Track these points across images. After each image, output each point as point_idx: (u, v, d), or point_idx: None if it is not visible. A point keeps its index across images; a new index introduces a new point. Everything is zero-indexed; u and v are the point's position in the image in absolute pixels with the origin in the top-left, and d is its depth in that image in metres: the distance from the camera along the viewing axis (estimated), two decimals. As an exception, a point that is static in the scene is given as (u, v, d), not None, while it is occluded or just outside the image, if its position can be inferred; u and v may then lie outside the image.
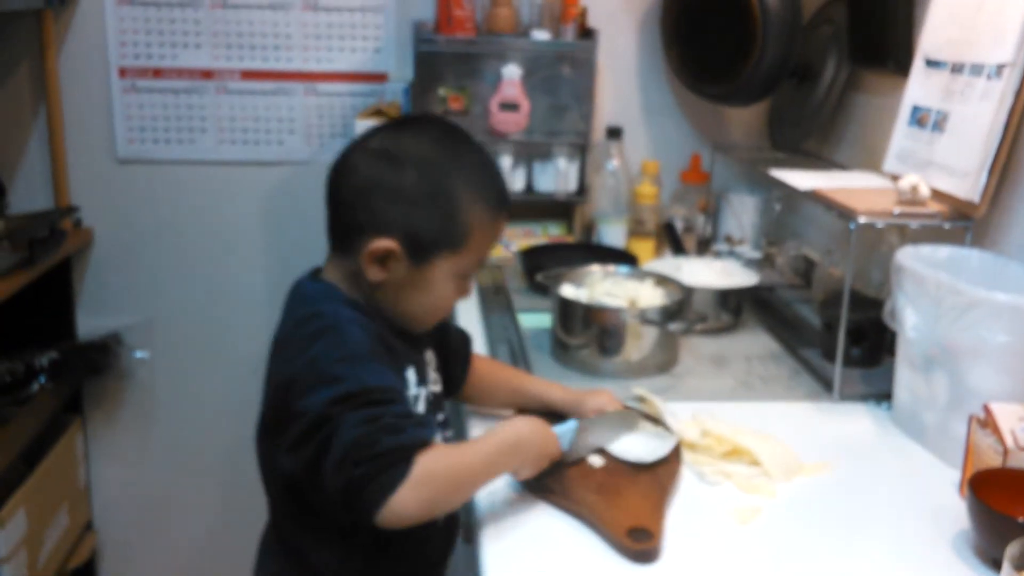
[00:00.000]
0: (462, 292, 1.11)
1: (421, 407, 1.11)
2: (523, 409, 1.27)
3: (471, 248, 1.07)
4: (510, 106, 1.95)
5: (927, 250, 1.34)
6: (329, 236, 1.10)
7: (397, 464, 0.92)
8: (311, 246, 2.18)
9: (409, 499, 0.92)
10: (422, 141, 1.07)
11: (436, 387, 1.18)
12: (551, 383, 1.32)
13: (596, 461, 1.16)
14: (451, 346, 1.25)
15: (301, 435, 0.96)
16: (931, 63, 1.52)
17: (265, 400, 1.09)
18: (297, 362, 1.00)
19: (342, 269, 1.08)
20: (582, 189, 2.04)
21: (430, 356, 1.19)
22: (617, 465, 1.16)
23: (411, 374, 1.10)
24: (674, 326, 1.47)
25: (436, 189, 1.04)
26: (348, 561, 1.09)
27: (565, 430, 1.13)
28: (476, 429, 1.28)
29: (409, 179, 1.04)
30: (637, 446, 1.18)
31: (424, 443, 0.94)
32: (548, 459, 1.10)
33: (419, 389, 1.11)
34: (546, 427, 1.10)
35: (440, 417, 1.18)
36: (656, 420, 1.26)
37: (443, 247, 1.05)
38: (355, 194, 1.05)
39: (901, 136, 1.56)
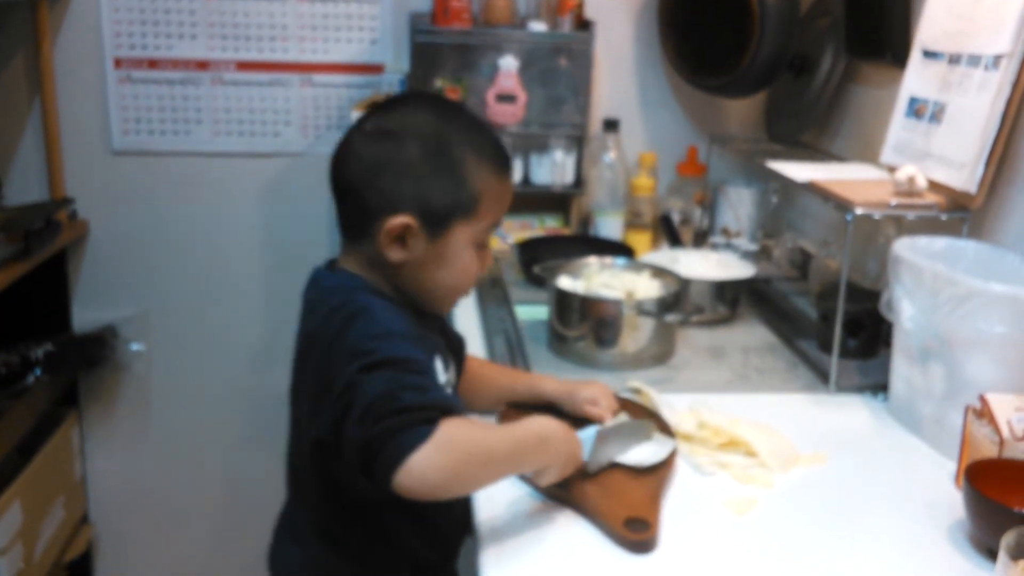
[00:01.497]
0: (484, 262, 1.11)
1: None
2: (514, 404, 1.26)
3: (484, 212, 1.07)
4: (507, 98, 1.95)
5: (924, 241, 1.34)
6: (341, 228, 1.10)
7: (420, 424, 0.89)
8: (307, 238, 2.19)
9: (430, 462, 0.88)
10: (419, 114, 1.07)
11: (453, 373, 1.17)
12: (542, 376, 1.31)
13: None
14: (451, 348, 1.23)
15: (331, 402, 0.95)
16: (928, 54, 1.51)
17: (303, 394, 1.07)
18: (334, 347, 0.99)
19: (360, 259, 1.08)
20: (579, 181, 2.03)
21: (443, 343, 1.18)
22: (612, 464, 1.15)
23: (439, 362, 1.08)
24: (671, 318, 1.47)
25: (441, 157, 1.04)
26: (371, 548, 1.09)
27: (585, 437, 1.10)
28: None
29: (413, 152, 1.04)
30: (636, 452, 1.16)
31: (450, 408, 0.93)
32: (574, 465, 1.07)
33: (446, 376, 1.10)
34: (571, 430, 1.07)
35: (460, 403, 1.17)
36: (650, 413, 1.26)
37: (457, 215, 1.05)
38: (361, 178, 1.05)
39: (898, 127, 1.56)
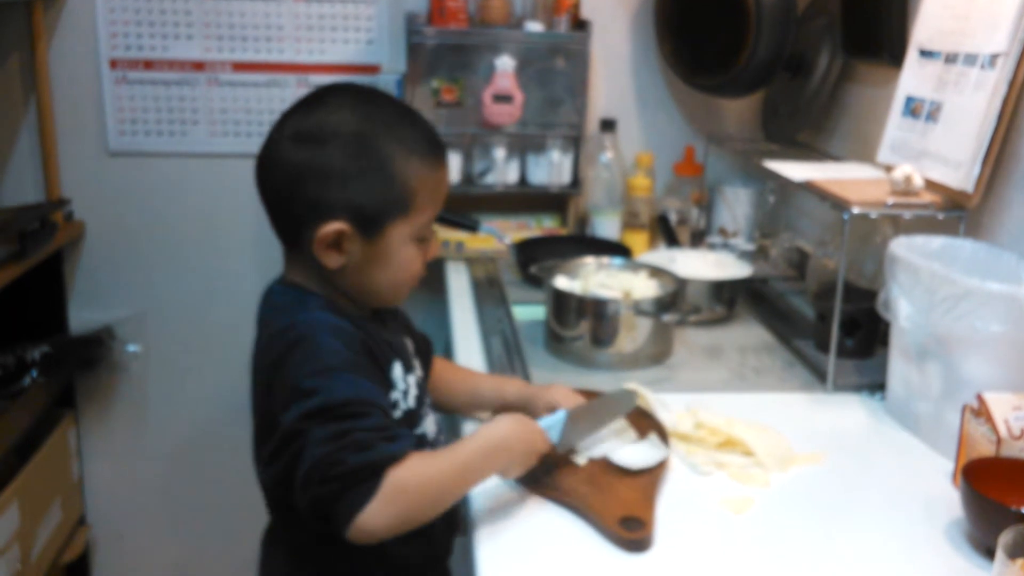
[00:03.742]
0: (426, 254, 1.08)
1: (413, 394, 1.10)
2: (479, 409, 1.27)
3: (420, 206, 1.04)
4: (503, 98, 1.95)
5: (920, 240, 1.34)
6: (276, 235, 1.07)
7: (365, 481, 0.91)
8: (304, 239, 2.18)
9: (379, 515, 0.91)
10: (338, 113, 1.02)
11: (420, 372, 1.17)
12: (506, 378, 1.30)
13: (580, 461, 1.15)
14: (417, 348, 1.22)
15: (275, 449, 0.97)
16: (925, 53, 1.51)
17: (253, 409, 1.08)
18: (276, 375, 0.99)
19: (301, 265, 1.06)
20: (576, 181, 2.03)
21: (408, 342, 1.18)
22: (604, 460, 1.15)
23: (398, 368, 1.08)
24: (668, 317, 1.47)
25: (366, 158, 1.01)
26: (353, 556, 1.08)
27: (554, 422, 1.12)
28: (469, 426, 1.28)
29: (336, 156, 1.00)
30: (626, 450, 1.16)
31: (394, 458, 0.93)
32: (537, 455, 1.07)
33: (407, 380, 1.10)
34: (530, 423, 1.08)
35: (428, 400, 1.18)
36: (644, 414, 1.26)
37: (392, 213, 1.02)
38: (287, 187, 1.02)
39: (895, 127, 1.56)
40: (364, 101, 1.05)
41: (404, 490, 0.92)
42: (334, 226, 1.00)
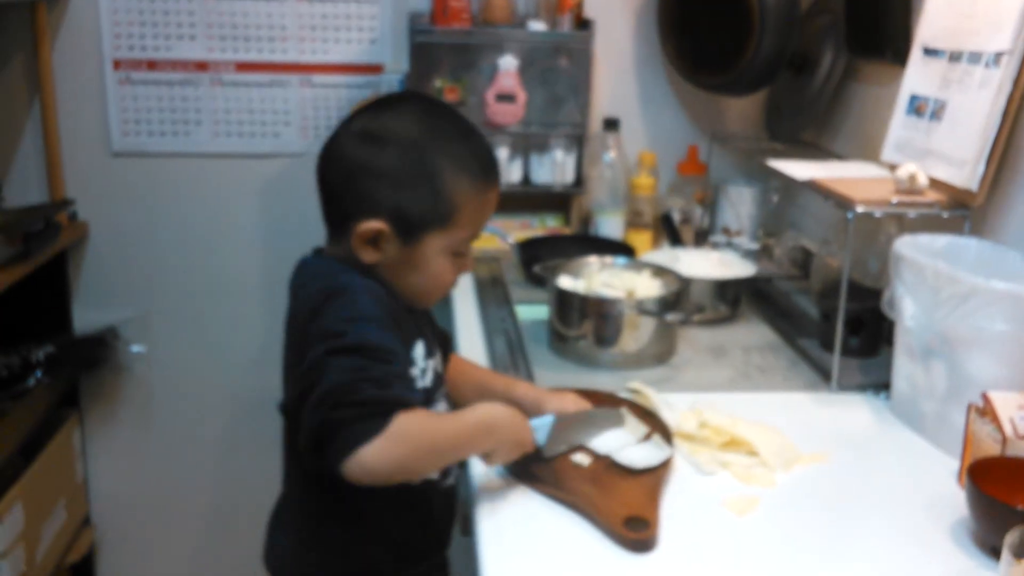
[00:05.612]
0: (461, 268, 1.12)
1: (429, 379, 1.12)
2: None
3: (461, 223, 1.08)
4: (506, 97, 1.95)
5: (925, 239, 1.33)
6: (325, 222, 1.12)
7: (375, 416, 0.92)
8: (307, 238, 2.16)
9: (379, 454, 0.92)
10: (404, 119, 1.08)
11: (439, 360, 1.19)
12: (516, 380, 1.31)
13: (583, 460, 1.15)
14: (437, 339, 1.23)
15: (297, 377, 0.99)
16: (929, 52, 1.51)
17: (285, 372, 1.10)
18: (312, 323, 1.01)
19: (341, 252, 1.10)
20: (579, 181, 2.03)
21: (429, 332, 1.19)
22: (607, 459, 1.15)
23: (420, 348, 1.11)
24: (672, 317, 1.47)
25: (419, 167, 1.05)
26: (357, 537, 1.10)
27: (542, 424, 1.13)
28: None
29: (391, 159, 1.05)
30: (630, 451, 1.16)
31: (407, 403, 0.95)
32: (521, 449, 1.09)
33: (427, 362, 1.12)
34: (520, 416, 1.10)
35: (443, 389, 1.19)
36: (648, 413, 1.26)
37: (432, 224, 1.06)
38: (341, 178, 1.07)
39: (899, 125, 1.55)
40: (431, 114, 1.10)
41: (407, 436, 0.94)
42: (375, 224, 1.05)
